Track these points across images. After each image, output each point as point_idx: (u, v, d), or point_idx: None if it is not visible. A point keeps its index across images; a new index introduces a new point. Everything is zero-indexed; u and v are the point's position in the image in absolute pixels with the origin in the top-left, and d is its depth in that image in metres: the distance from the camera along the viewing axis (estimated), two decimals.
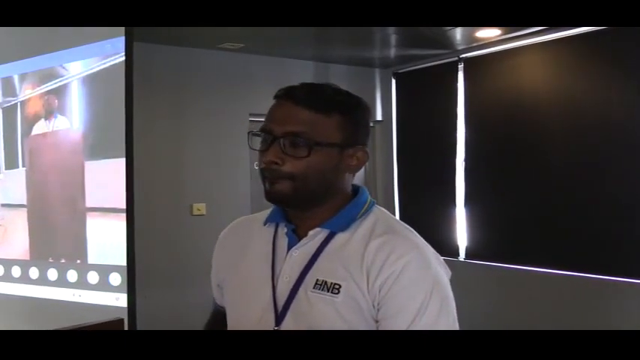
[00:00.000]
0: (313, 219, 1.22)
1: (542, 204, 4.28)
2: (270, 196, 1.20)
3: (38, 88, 3.22)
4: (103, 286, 2.99)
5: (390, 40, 4.59)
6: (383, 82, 5.47)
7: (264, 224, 1.28)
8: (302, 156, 1.15)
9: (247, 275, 1.27)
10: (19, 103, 3.30)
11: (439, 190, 4.99)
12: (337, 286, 1.15)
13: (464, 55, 4.77)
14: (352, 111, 1.21)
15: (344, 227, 1.20)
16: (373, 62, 5.25)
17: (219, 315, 1.37)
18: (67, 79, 3.12)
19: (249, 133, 1.25)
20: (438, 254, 1.20)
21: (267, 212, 1.30)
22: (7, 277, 3.27)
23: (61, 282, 3.10)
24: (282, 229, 1.25)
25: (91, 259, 3.04)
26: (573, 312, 3.98)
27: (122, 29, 2.87)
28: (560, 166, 4.18)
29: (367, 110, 1.26)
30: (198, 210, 4.52)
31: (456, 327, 1.16)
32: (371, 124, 1.29)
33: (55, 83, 3.16)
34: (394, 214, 5.33)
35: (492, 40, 4.47)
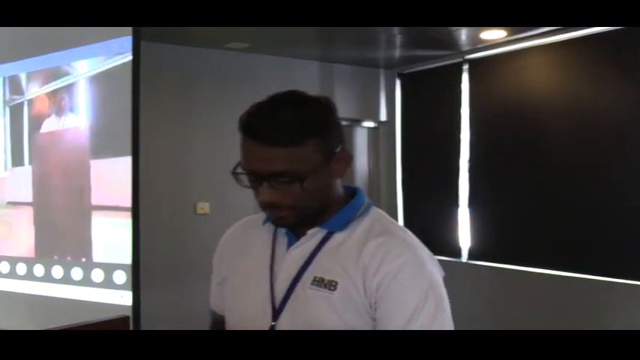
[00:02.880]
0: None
1: (546, 206, 4.27)
2: (279, 225, 1.25)
3: (45, 87, 3.24)
4: (108, 284, 3.01)
5: (394, 41, 4.60)
6: (387, 82, 5.47)
7: (264, 224, 1.31)
8: (296, 190, 1.15)
9: (247, 274, 1.30)
10: (25, 102, 3.32)
11: (442, 190, 4.98)
12: (334, 283, 1.18)
13: (469, 57, 4.77)
14: (320, 126, 1.17)
15: (342, 227, 1.23)
16: (378, 63, 5.25)
17: (218, 325, 1.38)
18: (73, 77, 3.14)
19: (232, 173, 1.20)
20: (432, 255, 1.23)
21: None
22: (13, 275, 3.29)
23: (66, 280, 3.11)
24: (282, 229, 1.27)
25: (96, 257, 3.05)
26: (575, 313, 3.98)
27: (129, 28, 2.88)
28: (564, 167, 4.18)
29: (329, 108, 1.21)
30: (202, 209, 4.54)
31: (452, 327, 1.18)
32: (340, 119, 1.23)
33: (62, 82, 3.18)
34: (397, 214, 5.33)
35: (497, 41, 4.47)
